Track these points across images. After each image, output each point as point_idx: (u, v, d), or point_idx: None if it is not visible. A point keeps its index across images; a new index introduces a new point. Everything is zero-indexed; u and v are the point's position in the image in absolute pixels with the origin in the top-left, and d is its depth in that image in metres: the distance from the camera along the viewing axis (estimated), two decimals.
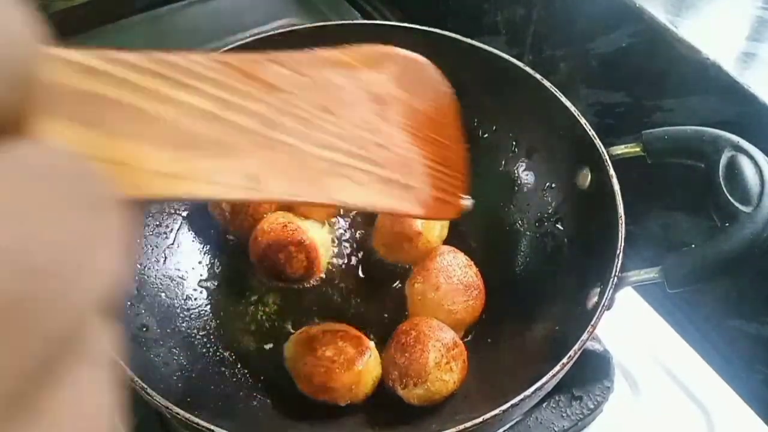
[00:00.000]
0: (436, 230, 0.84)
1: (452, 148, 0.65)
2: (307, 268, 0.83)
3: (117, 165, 0.35)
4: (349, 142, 0.54)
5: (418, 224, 0.82)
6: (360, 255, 0.88)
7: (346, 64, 0.55)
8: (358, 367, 0.73)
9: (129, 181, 0.35)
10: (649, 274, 0.66)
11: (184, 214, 0.87)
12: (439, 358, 0.72)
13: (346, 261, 0.87)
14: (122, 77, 0.37)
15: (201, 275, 0.85)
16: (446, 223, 0.86)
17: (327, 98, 0.53)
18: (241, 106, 0.45)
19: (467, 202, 0.70)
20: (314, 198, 0.51)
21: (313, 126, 0.51)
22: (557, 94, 0.81)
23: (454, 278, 0.78)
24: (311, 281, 0.85)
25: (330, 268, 0.86)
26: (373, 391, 0.75)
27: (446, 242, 0.84)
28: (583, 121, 0.78)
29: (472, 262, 0.81)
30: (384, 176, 0.56)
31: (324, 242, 0.85)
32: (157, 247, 0.83)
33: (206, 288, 0.84)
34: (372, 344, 0.76)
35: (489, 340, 0.80)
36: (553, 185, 0.85)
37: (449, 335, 0.74)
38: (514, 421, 0.76)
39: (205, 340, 0.79)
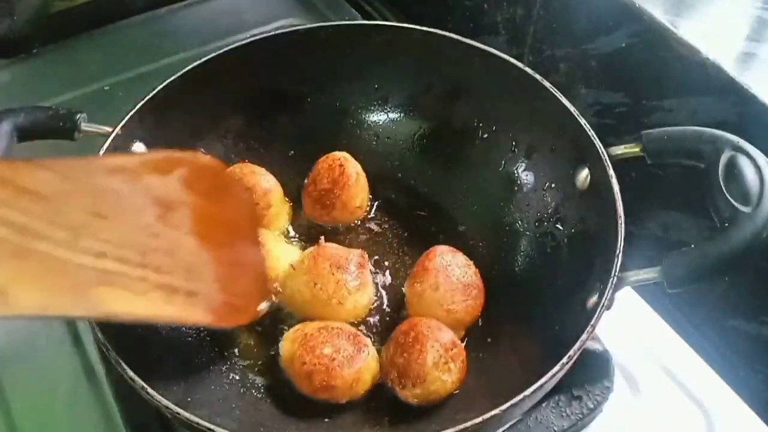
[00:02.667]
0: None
1: (248, 252, 0.62)
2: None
3: None
4: (125, 249, 0.50)
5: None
6: None
7: (126, 170, 0.52)
8: (358, 364, 0.73)
9: None
10: (648, 273, 0.66)
11: None
12: (437, 359, 0.72)
13: None
14: None
15: None
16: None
17: (100, 204, 0.49)
18: None
19: (263, 306, 0.70)
20: (76, 311, 0.48)
21: (81, 233, 0.47)
22: (557, 95, 0.81)
23: (453, 278, 0.78)
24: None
25: None
26: (371, 387, 0.75)
27: (445, 242, 0.84)
28: (582, 121, 0.78)
29: (471, 262, 0.81)
30: (166, 283, 0.52)
31: (283, 254, 0.84)
32: None
33: None
34: (368, 340, 0.77)
35: (489, 340, 0.80)
36: (553, 185, 0.85)
37: (448, 335, 0.74)
38: (514, 421, 0.76)
39: (205, 340, 0.79)
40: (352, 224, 0.91)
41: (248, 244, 0.63)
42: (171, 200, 0.55)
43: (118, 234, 0.51)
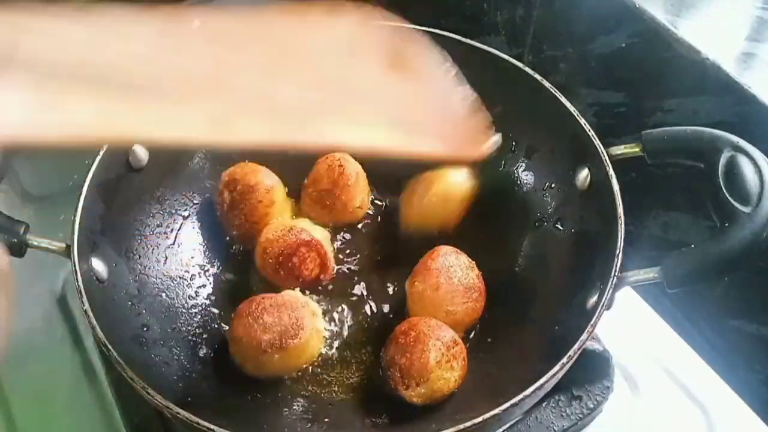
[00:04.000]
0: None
1: (453, 94, 0.59)
2: (321, 265, 0.83)
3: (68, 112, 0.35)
4: (327, 84, 0.49)
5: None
6: (359, 257, 0.88)
7: (305, 16, 0.51)
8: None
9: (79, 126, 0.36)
10: (648, 273, 0.66)
11: (185, 214, 0.87)
12: (439, 357, 0.72)
13: (349, 266, 0.87)
14: (60, 30, 0.37)
15: (201, 275, 0.85)
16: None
17: (294, 47, 0.49)
18: (185, 53, 0.43)
19: (494, 137, 0.63)
20: (304, 138, 0.47)
21: (284, 70, 0.47)
22: (557, 95, 0.81)
23: (454, 279, 0.78)
24: (324, 279, 0.84)
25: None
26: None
27: (446, 242, 0.84)
28: (582, 121, 0.78)
29: (474, 264, 0.81)
30: (384, 116, 0.52)
31: (326, 241, 0.86)
32: (157, 247, 0.83)
33: (206, 288, 0.84)
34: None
35: (489, 340, 0.80)
36: (553, 185, 0.85)
37: (449, 334, 0.74)
38: (514, 421, 0.76)
39: (205, 340, 0.79)
40: (352, 224, 0.91)
41: (449, 89, 0.60)
42: (356, 42, 0.54)
43: (314, 71, 0.50)
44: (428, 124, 0.54)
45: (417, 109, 0.54)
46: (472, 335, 0.80)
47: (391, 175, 0.92)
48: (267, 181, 0.86)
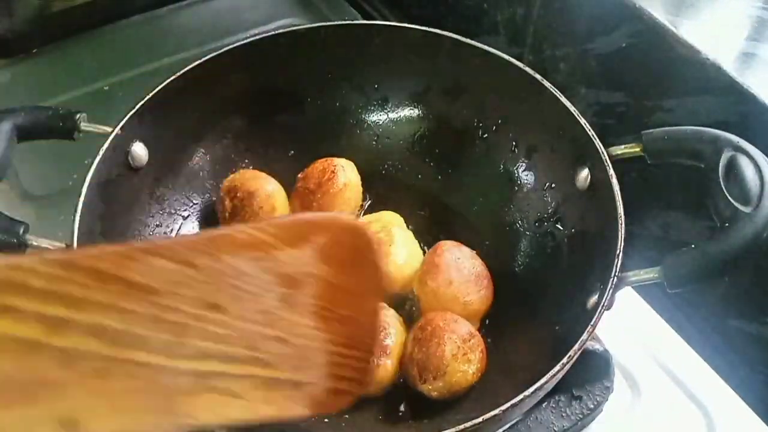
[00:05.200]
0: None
1: (365, 326, 0.55)
2: None
3: None
4: (234, 345, 0.43)
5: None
6: None
7: (259, 245, 0.45)
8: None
9: None
10: (648, 274, 0.66)
11: (185, 214, 0.87)
12: (455, 350, 0.72)
13: None
14: None
15: None
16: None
17: (217, 292, 0.42)
18: (78, 323, 0.35)
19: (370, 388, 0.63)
20: (154, 429, 0.39)
21: (188, 332, 0.40)
22: (557, 95, 0.81)
23: (464, 270, 0.79)
24: None
25: None
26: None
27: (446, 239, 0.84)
28: (582, 121, 0.78)
29: (475, 253, 0.82)
30: (270, 378, 0.46)
31: None
32: None
33: None
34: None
35: (489, 341, 0.80)
36: (553, 185, 0.85)
37: (465, 327, 0.74)
38: (514, 421, 0.76)
39: None
40: None
41: (366, 315, 0.57)
42: (299, 276, 0.48)
43: (230, 328, 0.43)
44: (315, 378, 0.50)
45: (314, 359, 0.49)
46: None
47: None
48: (267, 187, 0.86)
